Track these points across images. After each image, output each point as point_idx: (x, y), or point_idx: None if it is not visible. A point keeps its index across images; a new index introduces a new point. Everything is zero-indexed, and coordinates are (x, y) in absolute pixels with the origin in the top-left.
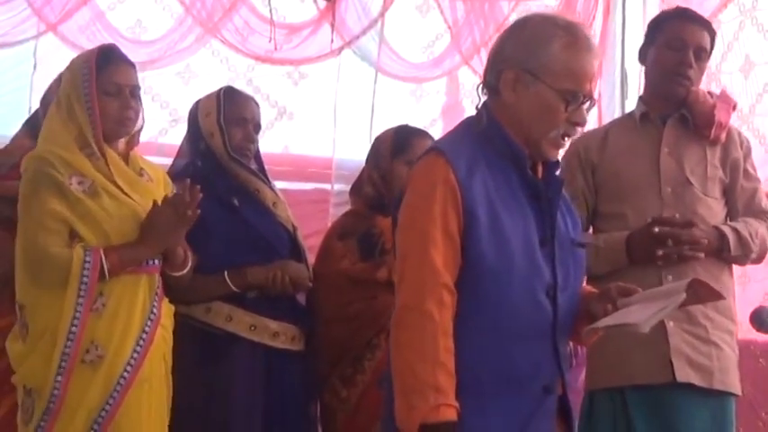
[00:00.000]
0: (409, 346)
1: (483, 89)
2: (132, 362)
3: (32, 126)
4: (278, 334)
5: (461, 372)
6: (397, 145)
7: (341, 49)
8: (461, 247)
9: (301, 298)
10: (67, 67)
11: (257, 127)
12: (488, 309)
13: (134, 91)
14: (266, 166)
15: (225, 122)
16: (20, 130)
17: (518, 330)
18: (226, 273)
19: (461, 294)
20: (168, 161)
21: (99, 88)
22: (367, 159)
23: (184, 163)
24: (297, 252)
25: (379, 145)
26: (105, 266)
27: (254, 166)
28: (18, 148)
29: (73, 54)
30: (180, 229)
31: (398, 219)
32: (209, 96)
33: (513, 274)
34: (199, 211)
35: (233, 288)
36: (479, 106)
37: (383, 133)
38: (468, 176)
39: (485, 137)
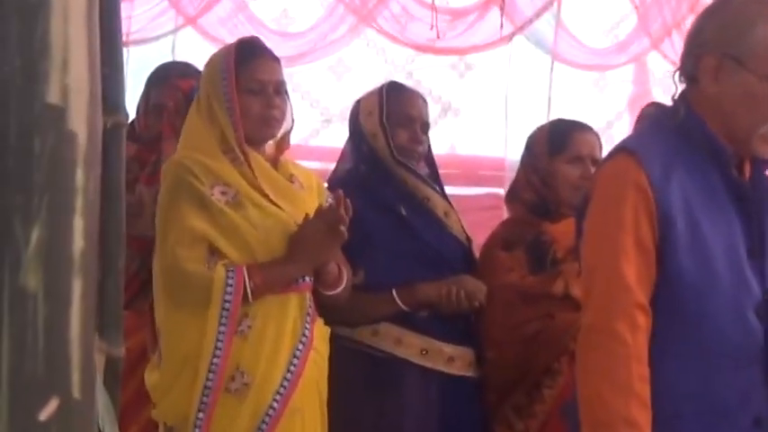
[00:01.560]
0: (598, 373)
1: (679, 77)
2: (282, 390)
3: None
4: (453, 359)
5: (658, 403)
6: (555, 142)
7: (512, 35)
8: (657, 260)
9: None
10: (206, 64)
11: (425, 126)
12: (688, 330)
13: (279, 88)
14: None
15: (389, 122)
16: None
17: (723, 355)
18: (394, 290)
19: (657, 314)
20: (321, 165)
21: (240, 86)
22: (521, 161)
23: (347, 168)
24: (472, 266)
25: (533, 144)
26: (249, 287)
27: (424, 170)
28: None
29: (213, 49)
30: (332, 245)
31: (584, 228)
32: (370, 93)
33: (717, 289)
34: (344, 225)
35: (402, 307)
36: (676, 97)
37: (536, 131)
38: (664, 179)
39: (681, 132)
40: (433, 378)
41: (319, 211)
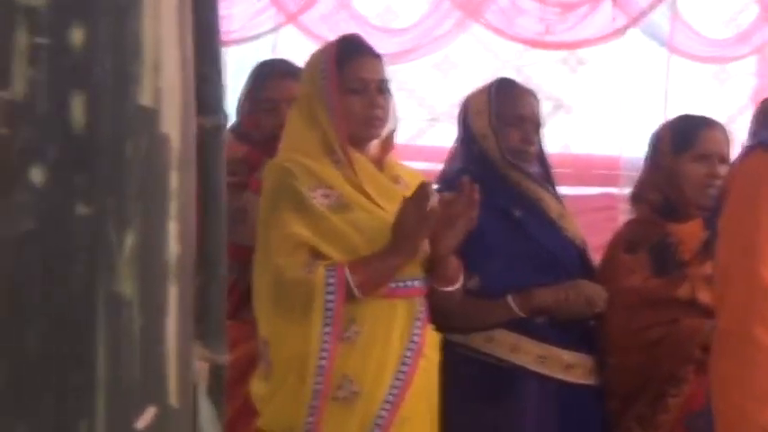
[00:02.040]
0: (735, 382)
1: None
2: (391, 398)
3: (236, 125)
4: (572, 366)
5: None
6: (680, 139)
7: (625, 27)
8: None
9: None
10: (306, 63)
11: (537, 126)
12: None
13: (382, 86)
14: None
15: (498, 122)
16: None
17: None
18: (509, 296)
19: None
20: (428, 166)
21: (341, 85)
22: (645, 160)
23: (457, 168)
24: (588, 270)
25: (656, 142)
26: (352, 283)
27: (537, 170)
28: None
29: (315, 47)
30: (423, 227)
31: (719, 229)
32: (479, 91)
33: None
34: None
35: (518, 313)
36: None
37: (660, 128)
38: None
39: None
40: (551, 386)
41: (414, 193)
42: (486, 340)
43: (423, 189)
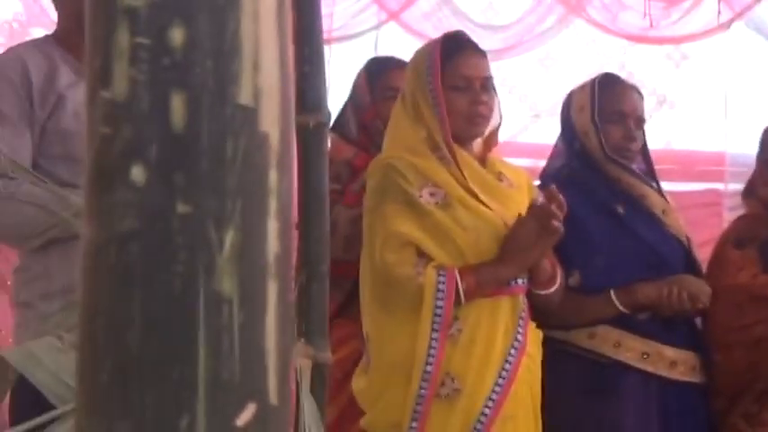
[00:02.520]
0: None
1: None
2: (494, 396)
3: (344, 128)
4: (676, 363)
5: None
6: None
7: (731, 21)
8: None
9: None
10: (411, 60)
11: (640, 122)
12: None
13: (486, 83)
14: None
15: (600, 119)
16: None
17: None
18: (612, 291)
19: None
20: (531, 162)
21: (445, 82)
22: (758, 156)
23: (560, 165)
24: (692, 267)
25: (766, 136)
26: (461, 289)
27: (640, 165)
28: (346, 153)
29: (418, 44)
30: (546, 244)
31: None
32: (582, 87)
33: None
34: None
35: (621, 309)
36: None
37: None
38: None
39: None
40: (655, 383)
41: (531, 209)
42: (588, 336)
43: (544, 209)
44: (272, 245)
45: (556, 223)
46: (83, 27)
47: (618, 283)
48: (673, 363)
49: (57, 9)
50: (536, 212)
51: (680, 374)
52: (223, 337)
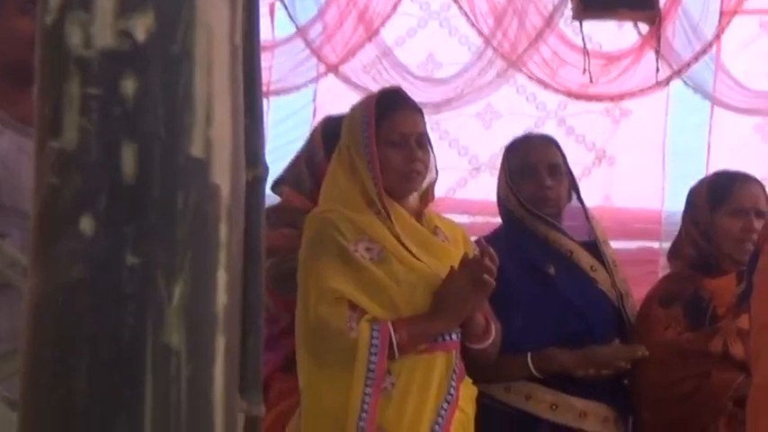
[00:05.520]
0: None
1: None
2: None
3: (296, 181)
4: (585, 414)
5: None
6: (716, 194)
7: (669, 79)
8: None
9: None
10: (347, 115)
11: (553, 168)
12: None
13: (421, 140)
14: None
15: (513, 180)
16: (283, 189)
17: None
18: (529, 356)
19: None
20: (469, 219)
21: (381, 138)
22: (683, 216)
23: (496, 229)
24: (621, 325)
25: (693, 197)
26: (395, 342)
27: (577, 223)
28: (297, 202)
29: (356, 97)
30: (478, 297)
31: (754, 283)
32: (502, 154)
33: None
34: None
35: (535, 374)
36: None
37: (697, 183)
38: None
39: None
40: None
41: (464, 262)
42: (504, 390)
43: (476, 261)
44: (221, 297)
45: (487, 276)
46: (10, 76)
47: (536, 344)
48: (582, 413)
49: None
50: (468, 265)
51: (590, 426)
52: (170, 389)
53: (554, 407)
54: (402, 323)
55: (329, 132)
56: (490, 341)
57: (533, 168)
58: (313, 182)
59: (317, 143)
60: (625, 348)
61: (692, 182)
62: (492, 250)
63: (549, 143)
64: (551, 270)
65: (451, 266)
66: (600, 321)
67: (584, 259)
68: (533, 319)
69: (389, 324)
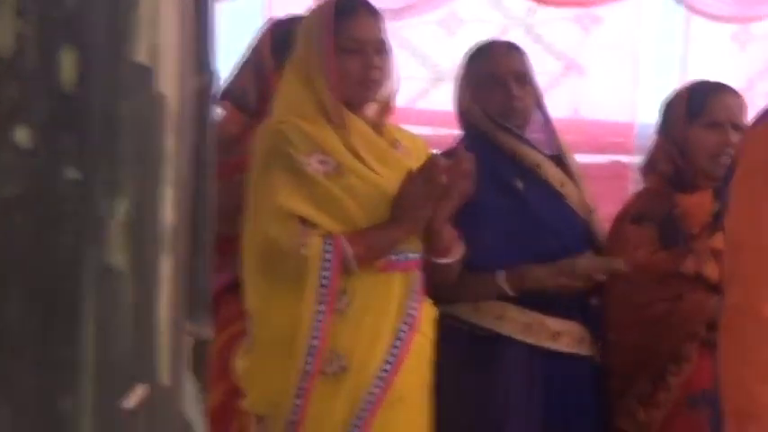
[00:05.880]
0: (743, 360)
1: None
2: (383, 375)
3: (240, 95)
4: (560, 334)
5: None
6: (694, 106)
7: None
8: None
9: None
10: (302, 21)
11: (521, 77)
12: None
13: (379, 47)
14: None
15: (477, 89)
16: (225, 105)
17: None
18: (500, 273)
19: None
20: (431, 130)
21: (337, 45)
22: (658, 129)
23: (459, 139)
24: (592, 242)
25: (670, 109)
26: (350, 256)
27: (539, 135)
28: (234, 126)
29: (309, 3)
30: (433, 200)
31: (729, 199)
32: (459, 66)
33: None
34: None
35: (508, 292)
36: None
37: (674, 94)
38: None
39: None
40: (539, 355)
41: (422, 165)
42: (473, 310)
43: (432, 162)
44: (168, 215)
45: (444, 178)
46: None
47: (508, 262)
48: (556, 334)
49: None
50: (425, 167)
51: (565, 346)
52: (114, 313)
53: (527, 327)
54: (357, 236)
55: (278, 39)
56: (457, 256)
57: (500, 78)
58: (259, 97)
59: (264, 52)
60: (602, 260)
61: (667, 93)
62: (467, 157)
63: (514, 50)
64: (519, 185)
65: (409, 169)
66: (572, 239)
67: (553, 174)
68: (504, 237)
69: (343, 238)
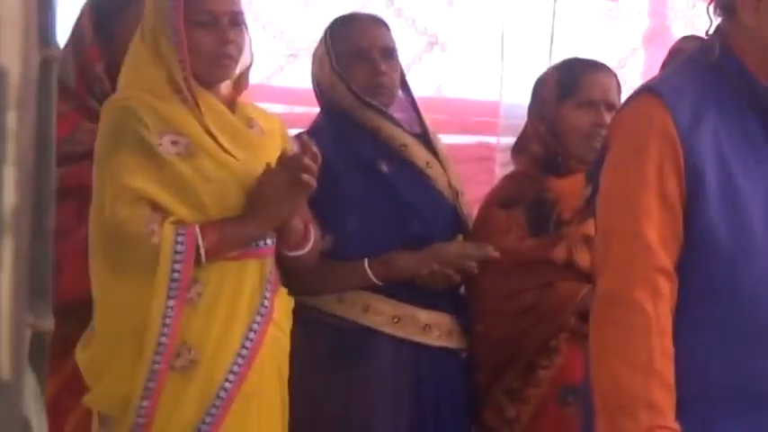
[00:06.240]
0: (614, 349)
1: (714, 8)
2: (236, 369)
3: (61, 75)
4: (430, 327)
5: (683, 383)
6: (565, 84)
7: None
8: (684, 220)
9: None
10: None
11: (387, 51)
12: (719, 301)
13: (235, 19)
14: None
15: (341, 65)
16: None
17: (758, 329)
18: (366, 261)
19: (683, 281)
20: (286, 108)
21: (189, 18)
22: (528, 108)
23: (320, 118)
24: (459, 226)
25: (540, 87)
26: (202, 248)
27: (407, 114)
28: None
29: None
30: (297, 198)
31: (600, 182)
32: (318, 42)
33: (754, 254)
34: (311, 175)
35: (375, 281)
36: (710, 32)
37: (544, 72)
38: (694, 125)
39: (716, 73)
40: (408, 348)
41: (281, 159)
42: (336, 301)
43: (294, 159)
44: (9, 196)
45: (306, 176)
46: None
47: (374, 250)
48: (426, 326)
49: None
50: (286, 163)
51: (435, 339)
52: None
53: (395, 319)
54: (211, 227)
55: (100, 10)
56: (309, 248)
57: (366, 52)
58: (80, 76)
59: (84, 24)
60: (473, 246)
61: (534, 71)
62: (314, 147)
63: (379, 24)
64: (384, 167)
65: (267, 164)
66: (441, 224)
67: (419, 154)
68: (368, 223)
69: (197, 228)
